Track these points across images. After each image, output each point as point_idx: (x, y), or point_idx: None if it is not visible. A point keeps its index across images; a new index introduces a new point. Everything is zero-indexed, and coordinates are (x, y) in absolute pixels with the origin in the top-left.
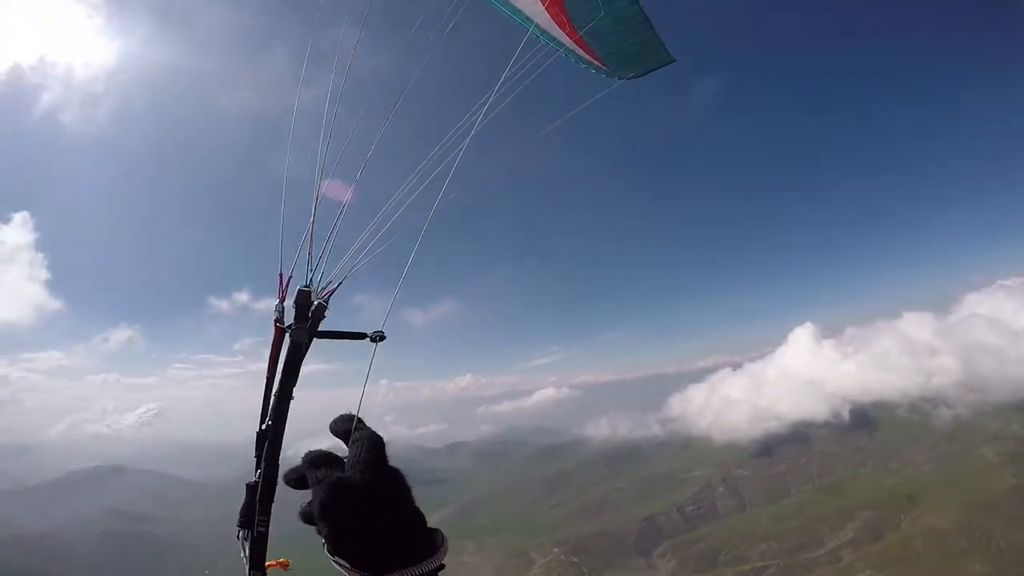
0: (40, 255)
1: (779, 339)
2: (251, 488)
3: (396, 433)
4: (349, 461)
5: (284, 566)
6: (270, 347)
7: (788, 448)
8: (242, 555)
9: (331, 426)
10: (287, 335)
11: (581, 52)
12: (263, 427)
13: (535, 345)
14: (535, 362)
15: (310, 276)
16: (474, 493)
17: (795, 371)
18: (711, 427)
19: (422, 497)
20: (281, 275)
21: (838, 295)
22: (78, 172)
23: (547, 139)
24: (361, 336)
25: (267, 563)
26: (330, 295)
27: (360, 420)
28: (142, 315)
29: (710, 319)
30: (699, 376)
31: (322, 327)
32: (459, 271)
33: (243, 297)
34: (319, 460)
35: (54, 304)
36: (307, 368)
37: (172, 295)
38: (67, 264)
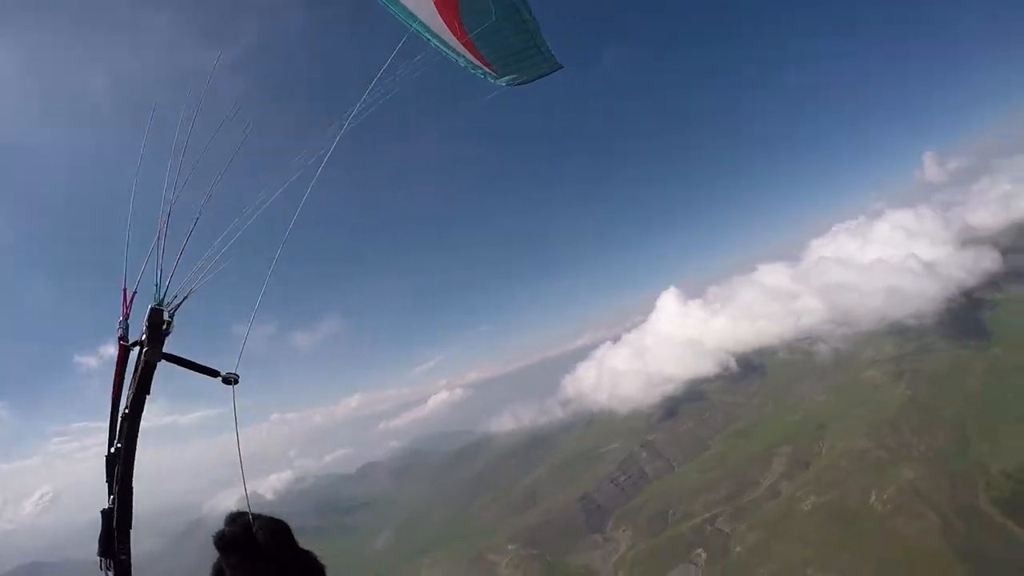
0: None
1: (648, 307)
2: (107, 514)
3: (305, 467)
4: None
5: None
6: (115, 366)
7: (689, 406)
8: None
9: (222, 538)
10: (140, 354)
11: (470, 56)
12: (112, 450)
13: (415, 352)
14: (419, 368)
15: (161, 293)
16: (403, 512)
17: (672, 334)
18: (610, 400)
19: (352, 526)
20: (125, 291)
21: (694, 259)
22: None
23: (411, 145)
24: (213, 373)
25: None
26: (175, 310)
27: (253, 515)
28: (4, 390)
29: (577, 298)
30: (582, 354)
31: (178, 353)
32: (326, 290)
33: (111, 350)
34: (233, 545)
35: None
36: (196, 415)
37: (32, 361)
38: None
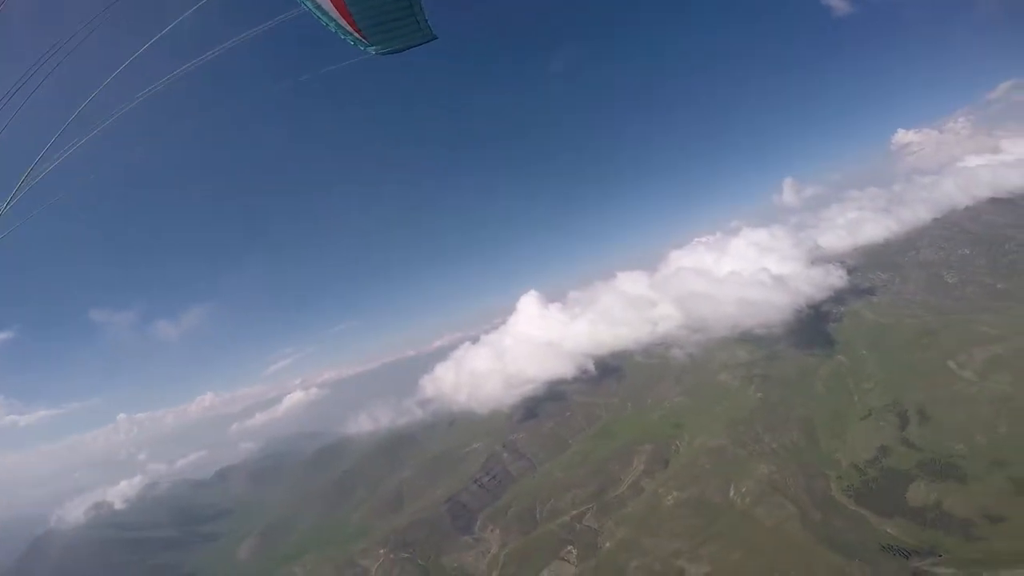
0: None
1: (507, 310)
2: None
3: (157, 471)
4: None
5: None
6: None
7: (549, 406)
8: None
9: None
10: None
11: (342, 21)
12: None
13: (267, 349)
14: (273, 367)
15: None
16: (266, 517)
17: (531, 336)
18: (470, 401)
19: (213, 534)
20: None
21: (554, 265)
22: None
23: (271, 121)
24: None
25: None
26: None
27: None
28: None
29: (435, 299)
30: (441, 354)
31: None
32: (185, 279)
33: None
34: None
35: None
36: (38, 415)
37: None
38: None
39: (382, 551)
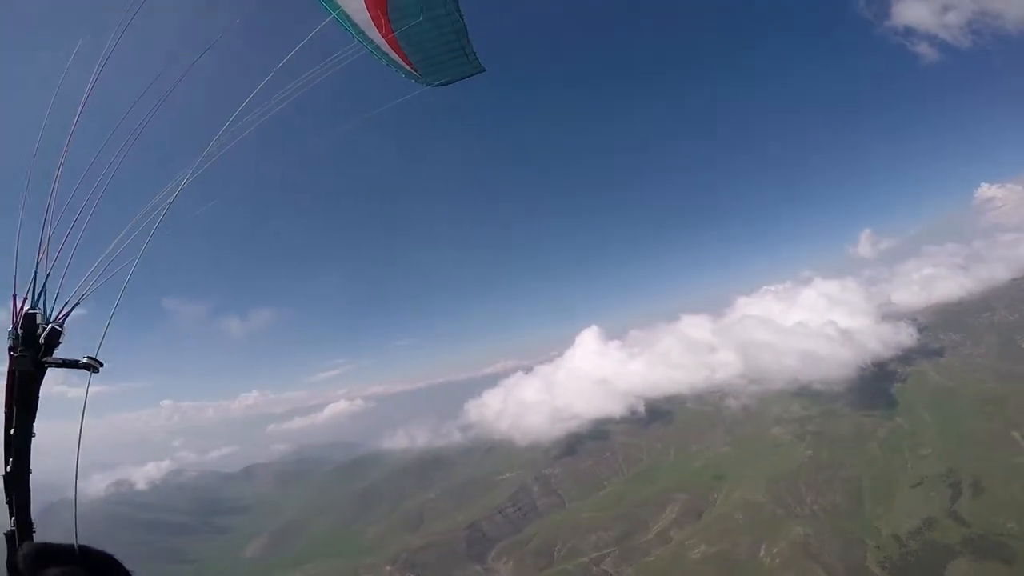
0: None
1: (566, 342)
2: (10, 538)
3: (187, 460)
4: None
5: None
6: (6, 379)
7: (591, 444)
8: None
9: (28, 554)
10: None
11: (394, 55)
12: (8, 469)
13: (322, 357)
14: (323, 375)
15: (38, 297)
16: (283, 518)
17: (586, 372)
18: (511, 430)
19: (226, 527)
20: (15, 297)
21: (619, 301)
22: None
23: (347, 142)
24: (89, 366)
25: None
26: (65, 318)
27: (84, 549)
28: None
29: (496, 325)
30: (491, 381)
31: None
32: (240, 282)
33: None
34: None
35: None
36: (91, 390)
37: None
38: None
39: (388, 568)
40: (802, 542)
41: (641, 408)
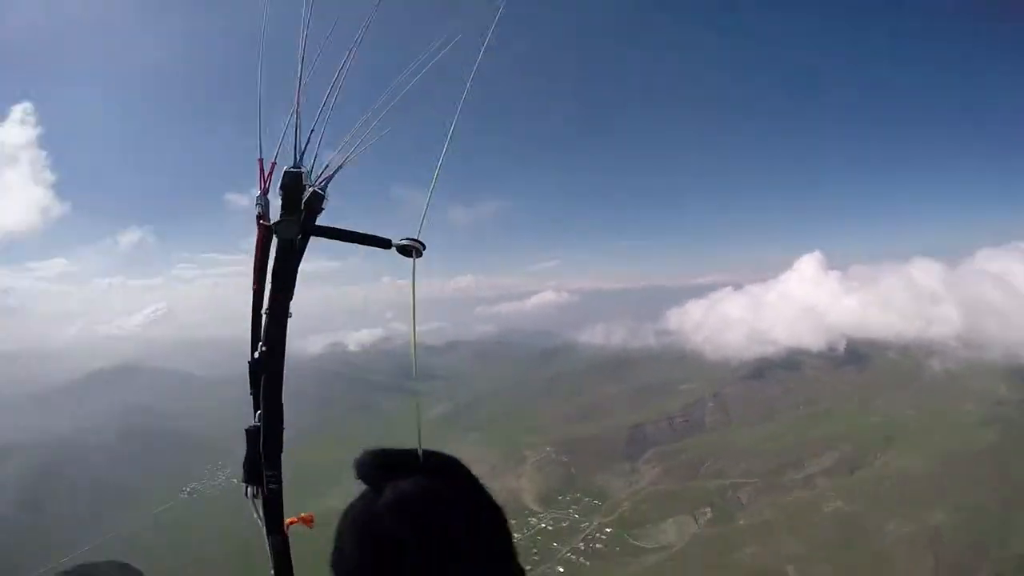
0: (43, 153)
1: (785, 264)
2: (252, 435)
3: (396, 330)
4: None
5: (308, 522)
6: (254, 251)
7: (779, 373)
8: (255, 516)
9: (367, 462)
10: (274, 234)
11: None
12: (255, 355)
13: (539, 249)
14: (537, 265)
15: (300, 155)
16: (470, 391)
17: (796, 298)
18: (705, 344)
19: (423, 392)
20: (262, 160)
21: (851, 231)
22: (79, 57)
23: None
24: (384, 244)
25: (287, 521)
26: (327, 181)
27: (428, 452)
28: (153, 215)
29: (717, 237)
30: (699, 292)
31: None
32: (470, 175)
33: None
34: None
35: (60, 208)
36: (315, 264)
37: (185, 193)
38: (74, 163)
39: (548, 449)
40: (932, 531)
41: (841, 347)
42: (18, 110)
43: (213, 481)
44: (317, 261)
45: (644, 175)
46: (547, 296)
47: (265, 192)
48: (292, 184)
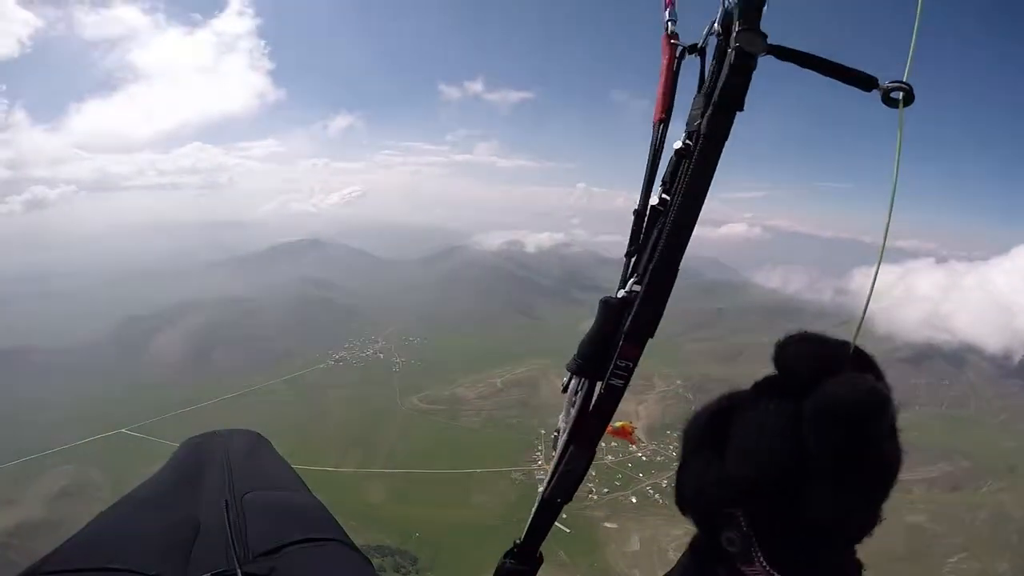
0: (262, 43)
1: (1002, 248)
2: (612, 309)
3: (576, 236)
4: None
5: (627, 435)
6: (662, 75)
7: (939, 365)
8: (563, 420)
9: (788, 350)
10: (727, 50)
11: None
12: (650, 204)
13: (746, 177)
14: (739, 194)
15: None
16: None
17: (997, 289)
18: (879, 313)
19: (581, 302)
20: None
21: None
22: None
23: None
24: (866, 83)
25: (608, 428)
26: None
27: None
28: (365, 102)
29: (936, 195)
30: (895, 256)
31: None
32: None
33: (476, 87)
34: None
35: (276, 94)
36: (515, 162)
37: (397, 82)
38: (290, 52)
39: (678, 382)
40: None
41: (1017, 357)
42: (234, 3)
43: (362, 353)
44: (519, 160)
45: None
46: (737, 228)
47: (671, 3)
48: None
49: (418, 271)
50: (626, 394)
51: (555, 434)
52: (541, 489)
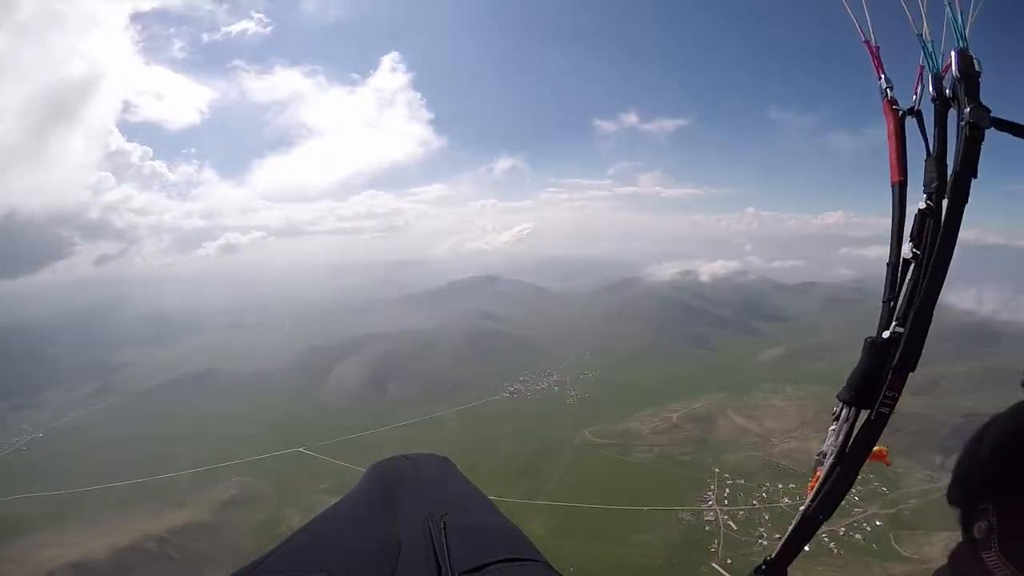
0: (418, 94)
1: None
2: (876, 348)
3: (750, 263)
4: None
5: (883, 458)
6: (890, 143)
7: None
8: (831, 441)
9: None
10: (959, 121)
11: None
12: (902, 255)
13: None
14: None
15: (962, 38)
16: (810, 338)
17: None
18: None
19: (758, 331)
20: (868, 43)
21: None
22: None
23: None
24: None
25: (874, 451)
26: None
27: None
28: (524, 143)
29: None
30: None
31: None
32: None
33: (631, 118)
34: None
35: (439, 142)
36: (680, 191)
37: (553, 121)
38: (445, 101)
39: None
40: None
41: None
42: (387, 60)
43: (537, 385)
44: (683, 189)
45: None
46: None
47: (881, 76)
48: (967, 68)
49: (592, 304)
50: (813, 429)
51: (817, 456)
52: (802, 507)
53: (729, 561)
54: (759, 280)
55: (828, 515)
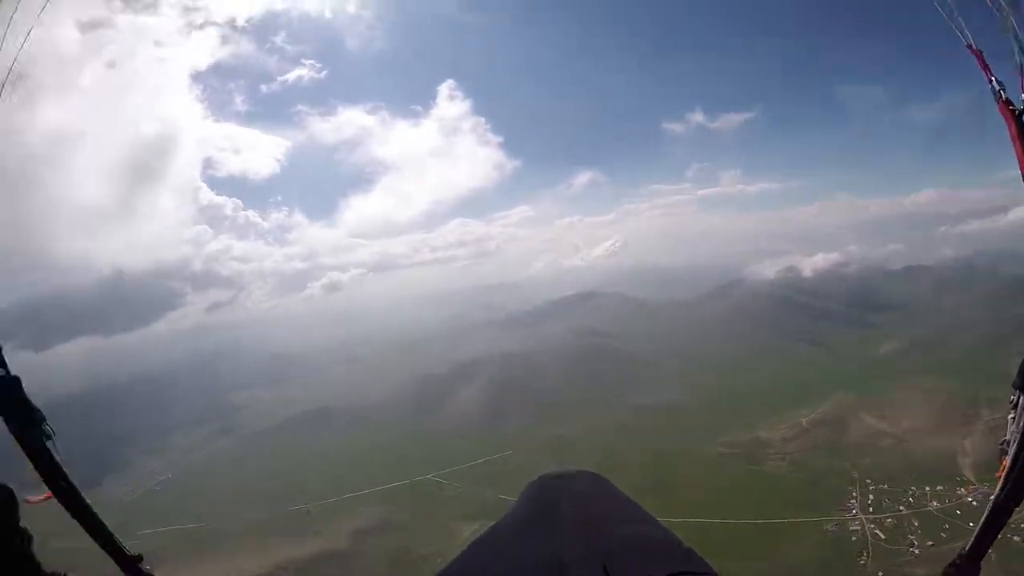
0: (481, 119)
1: None
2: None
3: (854, 254)
4: None
5: None
6: (1015, 146)
7: None
8: (1010, 431)
9: None
10: None
11: None
12: None
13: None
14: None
15: None
16: (932, 326)
17: None
18: None
19: (871, 323)
20: (971, 46)
21: None
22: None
23: None
24: None
25: None
26: None
27: None
28: (599, 157)
29: None
30: None
31: None
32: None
33: (697, 117)
34: None
35: (512, 164)
36: (760, 186)
37: (622, 130)
38: (510, 123)
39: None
40: None
41: None
42: (443, 88)
43: (655, 398)
44: (763, 184)
45: None
46: None
47: (991, 79)
48: None
49: (695, 311)
50: (950, 427)
51: (1001, 445)
52: (992, 496)
53: (880, 574)
54: (863, 269)
55: (1019, 502)
